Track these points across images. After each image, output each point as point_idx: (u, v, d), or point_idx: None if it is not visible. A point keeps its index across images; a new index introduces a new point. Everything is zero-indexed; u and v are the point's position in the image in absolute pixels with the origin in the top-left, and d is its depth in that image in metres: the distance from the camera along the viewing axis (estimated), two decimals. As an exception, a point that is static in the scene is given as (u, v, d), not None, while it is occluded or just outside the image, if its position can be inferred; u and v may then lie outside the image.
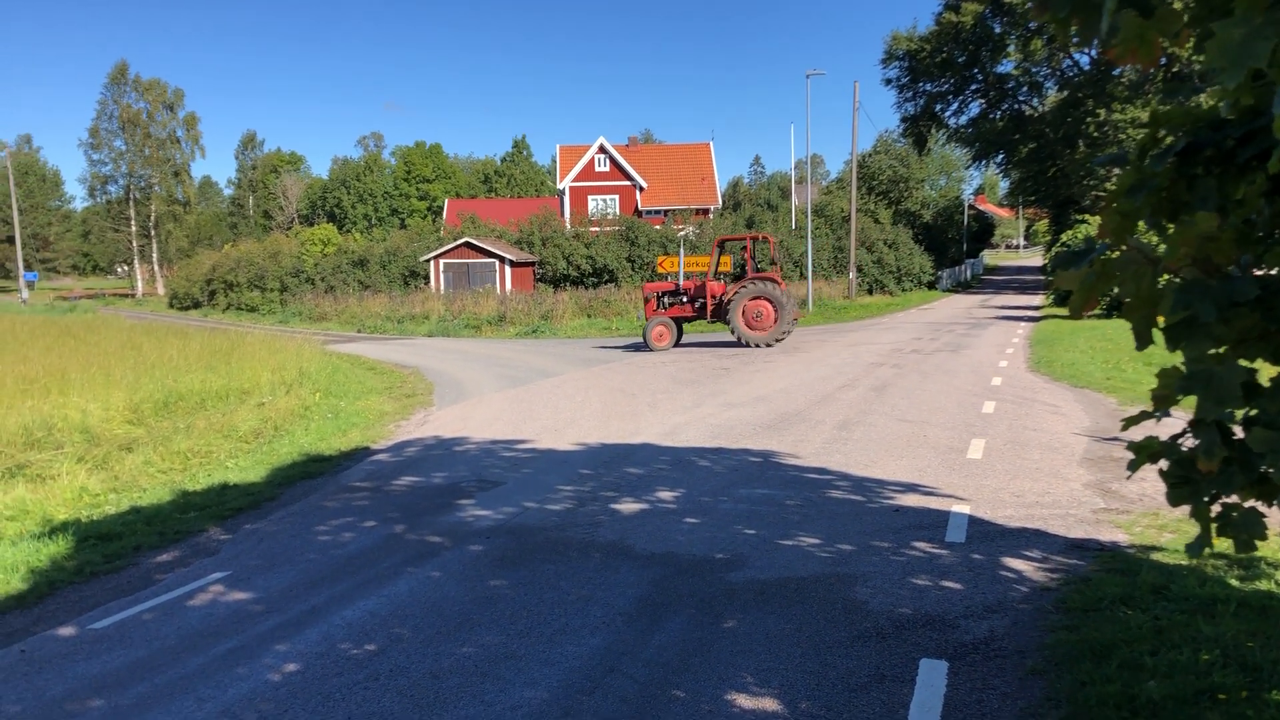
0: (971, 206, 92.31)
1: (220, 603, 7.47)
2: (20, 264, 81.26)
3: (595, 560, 8.02)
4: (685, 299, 28.80)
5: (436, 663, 6.01)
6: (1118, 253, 2.83)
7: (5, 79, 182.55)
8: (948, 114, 63.38)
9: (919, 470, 11.06)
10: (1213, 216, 2.52)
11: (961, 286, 65.29)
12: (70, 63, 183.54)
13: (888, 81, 62.81)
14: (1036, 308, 43.05)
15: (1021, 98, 59.43)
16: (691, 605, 6.87)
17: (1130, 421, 3.14)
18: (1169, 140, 2.90)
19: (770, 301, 27.51)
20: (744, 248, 29.91)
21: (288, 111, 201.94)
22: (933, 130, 65.27)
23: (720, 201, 72.93)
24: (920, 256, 56.28)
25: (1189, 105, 3.04)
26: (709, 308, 28.19)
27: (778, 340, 27.86)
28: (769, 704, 5.28)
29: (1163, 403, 2.72)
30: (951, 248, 75.21)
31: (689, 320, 29.17)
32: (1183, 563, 7.26)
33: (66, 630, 7.05)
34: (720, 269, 30.06)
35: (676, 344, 28.75)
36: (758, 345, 27.41)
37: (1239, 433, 2.78)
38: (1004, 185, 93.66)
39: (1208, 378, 2.54)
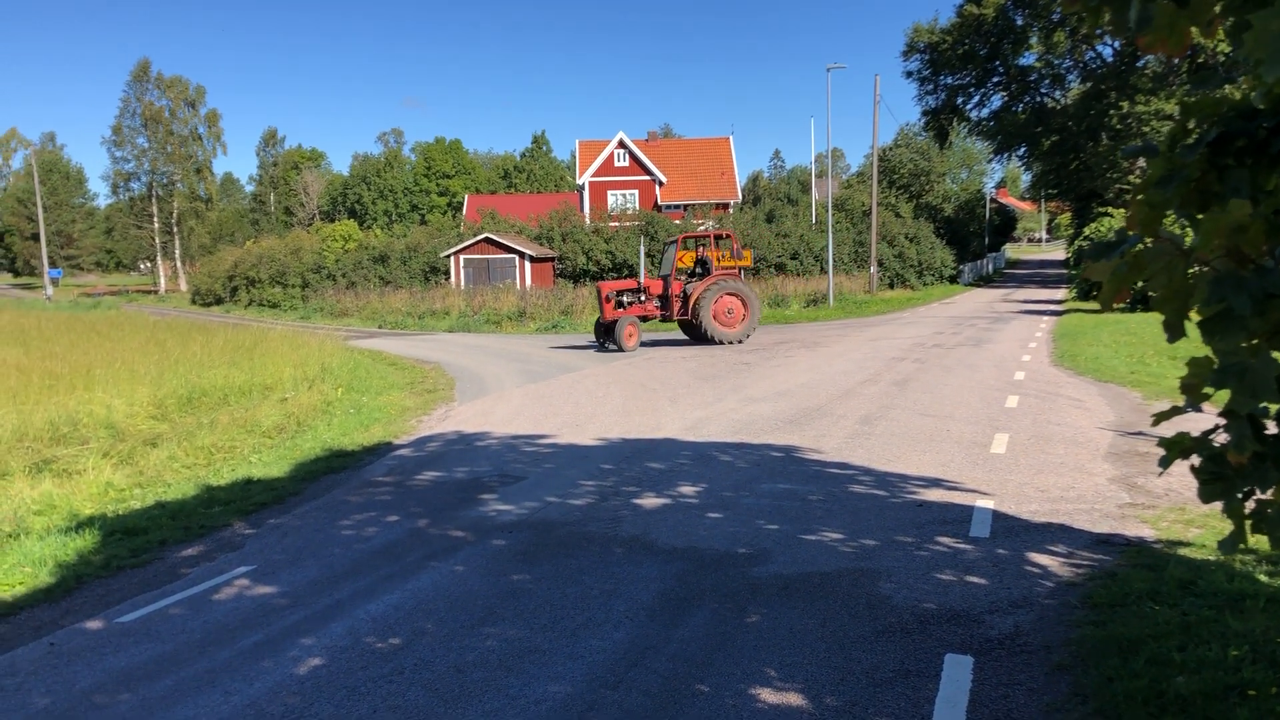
0: (993, 200, 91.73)
1: (245, 597, 7.52)
2: (45, 261, 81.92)
3: (618, 555, 8.02)
4: (645, 298, 28.18)
5: (460, 656, 6.03)
6: (1148, 244, 2.81)
7: (30, 78, 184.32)
8: (969, 107, 62.96)
9: (942, 465, 11.01)
10: (1245, 205, 2.49)
11: (983, 281, 64.95)
12: (93, 61, 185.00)
13: (909, 74, 62.50)
14: (1059, 302, 42.77)
15: (1044, 90, 58.98)
16: (715, 600, 6.86)
17: (1161, 416, 3.11)
18: (1199, 131, 2.87)
19: (740, 298, 27.43)
20: (706, 245, 29.27)
21: (308, 108, 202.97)
22: (954, 123, 64.86)
23: (740, 196, 72.79)
24: (942, 250, 56.01)
25: (1218, 95, 3.00)
26: (675, 306, 27.79)
27: (748, 337, 27.82)
28: (793, 699, 5.27)
29: (1191, 391, 2.69)
30: (973, 242, 74.77)
31: (649, 319, 28.58)
32: (1210, 558, 7.20)
33: (94, 624, 7.11)
34: (678, 266, 29.16)
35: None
36: (728, 342, 27.16)
37: (1272, 428, 2.75)
38: (1026, 178, 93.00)
39: (1242, 370, 2.51)
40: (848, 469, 10.98)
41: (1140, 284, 2.77)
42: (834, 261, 46.94)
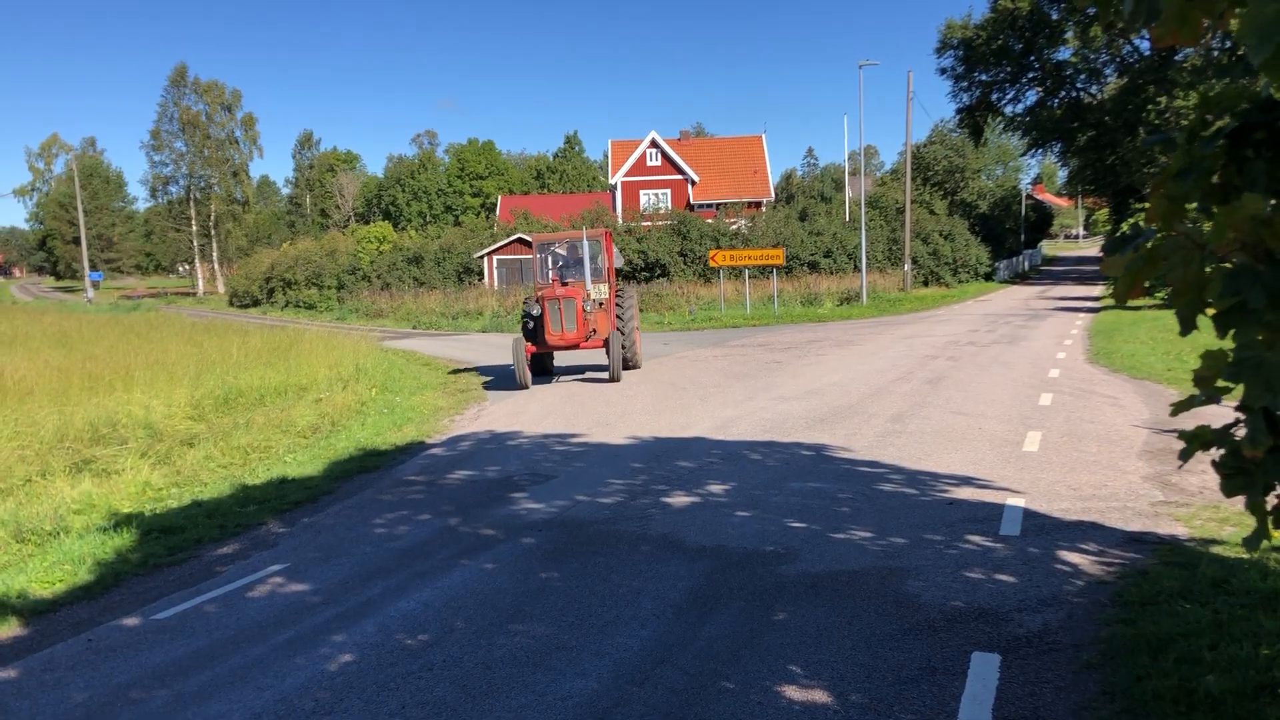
0: (1029, 196, 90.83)
1: (279, 594, 7.62)
2: (86, 264, 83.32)
3: (646, 553, 8.05)
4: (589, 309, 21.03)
5: (489, 653, 6.08)
6: (1164, 238, 2.80)
7: (71, 84, 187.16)
8: (1004, 103, 62.32)
9: (973, 463, 10.94)
10: (1259, 198, 2.48)
11: (1019, 277, 64.34)
12: (132, 67, 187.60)
13: (942, 71, 61.94)
14: (1096, 298, 42.30)
15: (1080, 85, 58.29)
16: (742, 598, 6.87)
17: (1179, 406, 3.09)
18: (1219, 123, 2.86)
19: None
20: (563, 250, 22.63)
21: (344, 111, 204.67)
22: (989, 119, 64.28)
23: (773, 194, 72.62)
24: (976, 247, 55.56)
25: (1240, 86, 2.98)
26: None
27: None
28: (819, 696, 5.28)
29: (1205, 385, 2.68)
30: (1009, 238, 74.06)
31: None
32: (1244, 556, 7.12)
33: (131, 620, 7.24)
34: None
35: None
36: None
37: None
38: (1062, 174, 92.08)
39: (1257, 364, 2.50)
40: (878, 467, 10.94)
41: (1156, 278, 2.76)
42: (867, 259, 46.69)
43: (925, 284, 52.11)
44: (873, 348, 24.98)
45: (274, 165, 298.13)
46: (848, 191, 68.77)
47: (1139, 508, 8.82)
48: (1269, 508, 2.95)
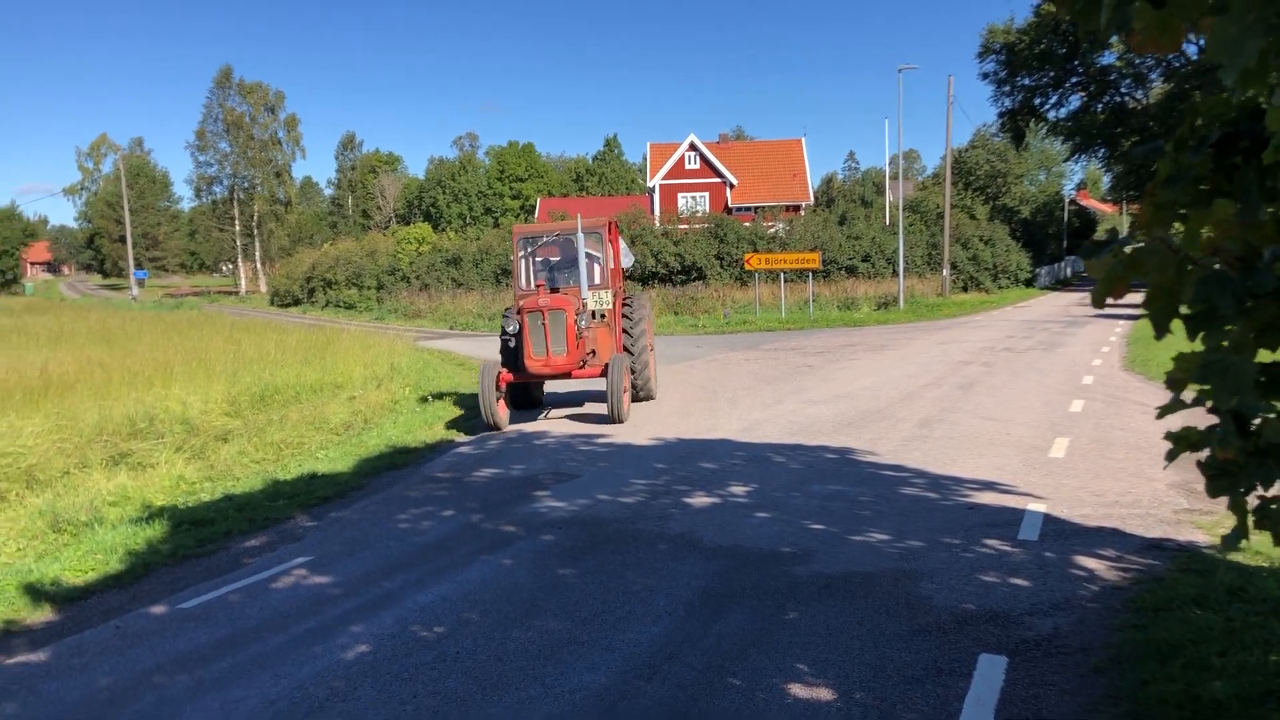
0: (1073, 202, 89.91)
1: (302, 586, 7.78)
2: (131, 262, 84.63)
3: (662, 551, 8.13)
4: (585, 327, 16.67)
5: (502, 646, 6.19)
6: (1141, 242, 2.85)
7: (120, 84, 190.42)
8: (1046, 107, 61.77)
9: (998, 468, 10.91)
10: (1230, 204, 2.53)
11: (1060, 284, 63.75)
12: (179, 68, 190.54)
13: (984, 76, 61.44)
14: (1137, 306, 41.57)
15: (1124, 90, 57.68)
16: (754, 597, 6.93)
17: (1165, 409, 3.14)
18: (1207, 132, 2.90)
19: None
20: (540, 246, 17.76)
21: (386, 113, 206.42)
22: (1031, 124, 63.73)
23: (812, 198, 72.40)
24: (1017, 253, 55.07)
25: (1227, 96, 3.01)
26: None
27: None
28: (823, 694, 5.33)
29: (1176, 386, 2.74)
30: (1051, 244, 73.38)
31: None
32: (1263, 564, 7.07)
33: (158, 609, 7.43)
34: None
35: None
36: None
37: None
38: (1106, 180, 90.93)
39: (1224, 367, 2.54)
40: (901, 471, 10.94)
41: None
42: (906, 264, 46.42)
43: (964, 289, 51.71)
44: (907, 353, 24.88)
45: (317, 166, 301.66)
46: (888, 196, 68.30)
47: (1161, 515, 8.77)
48: (1249, 508, 3.00)
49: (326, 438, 14.86)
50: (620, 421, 15.00)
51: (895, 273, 45.96)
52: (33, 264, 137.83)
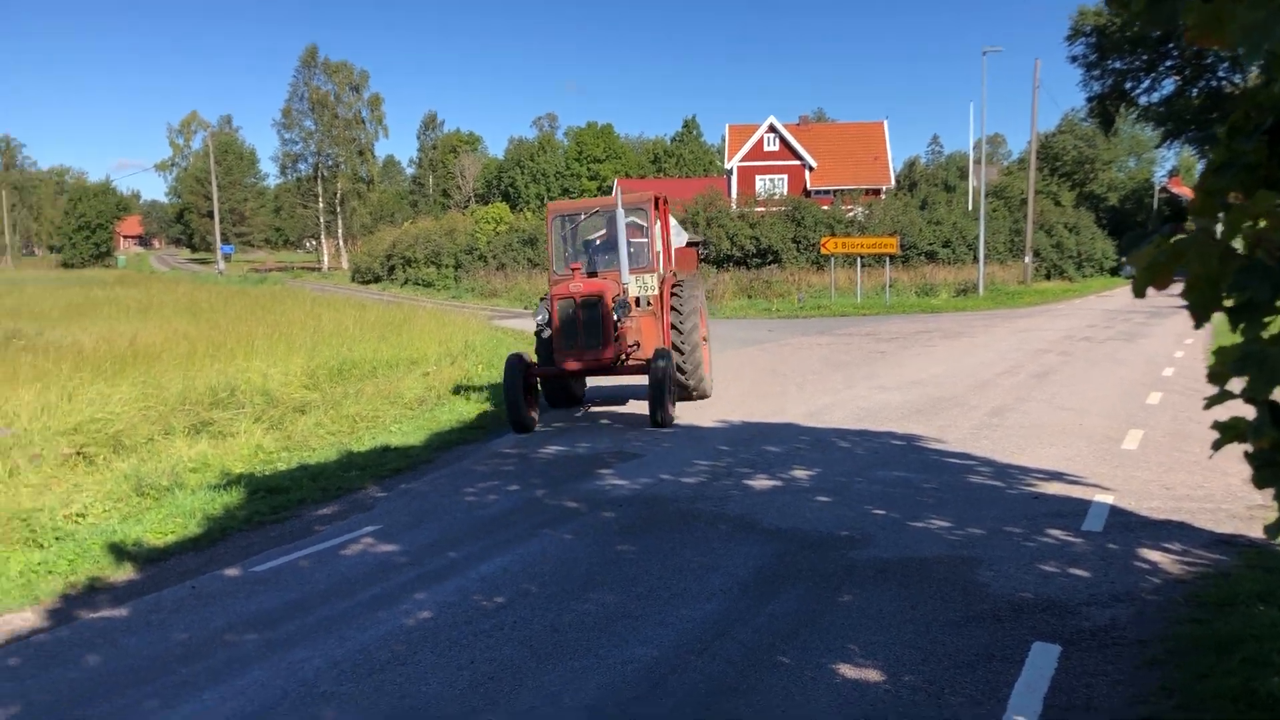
0: (1164, 189, 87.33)
1: (369, 554, 8.02)
2: (218, 237, 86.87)
3: (721, 532, 8.21)
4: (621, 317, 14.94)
5: (558, 617, 6.33)
6: (1189, 232, 2.84)
7: (210, 64, 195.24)
8: (1138, 92, 60.06)
9: (1067, 459, 10.77)
10: (1272, 195, 2.51)
11: (1147, 273, 61.96)
12: (268, 47, 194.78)
13: (1073, 59, 59.98)
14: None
15: (1221, 74, 55.78)
16: (809, 579, 6.97)
17: (1212, 401, 3.12)
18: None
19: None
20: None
21: (467, 94, 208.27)
22: (1121, 109, 62.03)
23: (894, 182, 71.44)
24: (1103, 241, 53.89)
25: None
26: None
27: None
28: (872, 675, 5.37)
29: (1217, 379, 2.73)
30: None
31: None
32: (1336, 563, 6.91)
33: (232, 571, 7.73)
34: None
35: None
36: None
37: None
38: (1200, 167, 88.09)
39: (1261, 358, 2.54)
40: (968, 459, 10.86)
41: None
42: (987, 250, 45.63)
43: (1047, 277, 50.75)
44: (983, 340, 24.54)
45: (399, 146, 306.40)
46: (971, 180, 67.12)
47: (1233, 510, 8.60)
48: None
49: (400, 412, 15.18)
50: (664, 425, 13.13)
51: (976, 259, 45.23)
52: (125, 237, 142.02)
